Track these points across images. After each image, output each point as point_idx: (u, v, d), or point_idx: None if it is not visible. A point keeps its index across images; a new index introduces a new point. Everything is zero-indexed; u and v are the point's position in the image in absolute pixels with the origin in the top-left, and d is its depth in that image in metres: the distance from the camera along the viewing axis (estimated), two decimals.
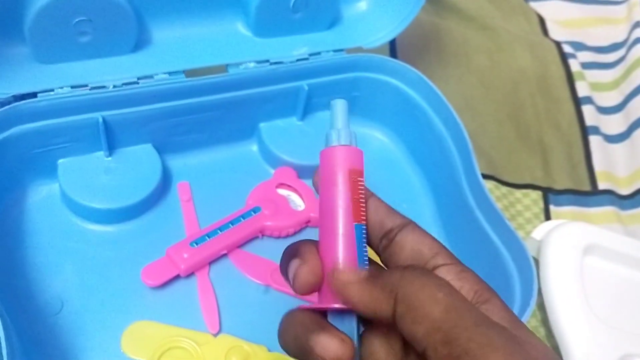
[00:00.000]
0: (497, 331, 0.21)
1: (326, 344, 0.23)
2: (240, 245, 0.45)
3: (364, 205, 0.26)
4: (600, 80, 0.66)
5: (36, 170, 0.44)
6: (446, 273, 0.24)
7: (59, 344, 0.38)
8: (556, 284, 0.43)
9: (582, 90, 0.64)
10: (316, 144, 0.50)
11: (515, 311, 0.39)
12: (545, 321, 0.46)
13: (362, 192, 0.26)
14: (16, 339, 0.35)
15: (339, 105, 0.28)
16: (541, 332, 0.45)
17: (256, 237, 0.45)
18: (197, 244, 0.42)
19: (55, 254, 0.42)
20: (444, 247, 0.26)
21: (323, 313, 0.25)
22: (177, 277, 0.42)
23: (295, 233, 0.46)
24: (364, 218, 0.26)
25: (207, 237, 0.43)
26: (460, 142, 0.46)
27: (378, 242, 0.27)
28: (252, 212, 0.45)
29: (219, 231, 0.43)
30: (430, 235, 0.26)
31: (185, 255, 0.42)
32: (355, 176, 0.26)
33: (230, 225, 0.44)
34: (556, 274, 0.44)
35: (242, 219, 0.45)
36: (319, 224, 0.26)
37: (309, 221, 0.46)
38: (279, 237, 0.46)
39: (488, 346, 0.20)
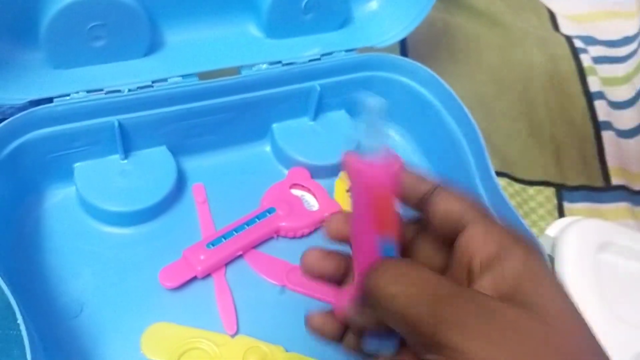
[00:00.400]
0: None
1: None
2: (256, 245, 0.45)
3: (395, 215, 0.26)
4: (612, 74, 0.66)
5: (53, 174, 0.44)
6: (472, 235, 0.24)
7: (79, 346, 0.38)
8: (571, 280, 0.43)
9: (593, 85, 0.63)
10: (328, 143, 0.51)
11: None
12: None
13: (392, 204, 0.26)
14: (39, 342, 0.35)
15: (375, 107, 0.23)
16: None
17: (271, 238, 0.46)
18: (213, 245, 0.43)
19: (73, 257, 0.42)
20: (472, 205, 0.25)
21: None
22: (194, 278, 0.42)
23: (310, 233, 0.46)
24: (394, 229, 0.26)
25: (223, 239, 0.43)
26: (473, 140, 0.46)
27: (416, 209, 0.27)
28: (267, 213, 0.46)
29: (234, 232, 0.44)
30: (459, 196, 0.26)
31: (202, 257, 0.42)
32: (387, 192, 0.25)
33: (245, 226, 0.44)
34: (571, 270, 0.44)
35: (257, 219, 0.45)
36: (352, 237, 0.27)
37: (323, 221, 0.47)
38: (293, 238, 0.46)
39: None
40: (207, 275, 0.43)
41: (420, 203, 0.27)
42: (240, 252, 0.44)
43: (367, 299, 0.24)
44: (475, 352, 0.20)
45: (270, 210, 0.46)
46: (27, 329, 0.32)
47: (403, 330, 0.23)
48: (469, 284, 0.24)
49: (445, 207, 0.26)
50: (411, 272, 0.23)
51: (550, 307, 0.22)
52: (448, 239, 0.26)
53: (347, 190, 0.48)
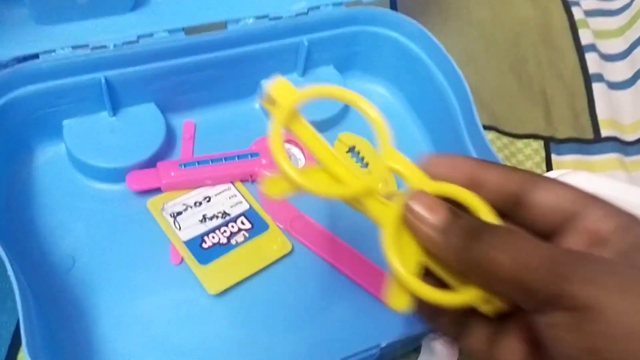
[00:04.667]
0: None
1: None
2: (229, 181, 0.45)
3: None
4: (605, 27, 0.66)
5: (42, 132, 0.44)
6: (603, 224, 0.23)
7: (71, 300, 0.39)
8: None
9: (585, 38, 0.63)
10: (319, 100, 0.51)
11: None
12: None
13: None
14: (31, 297, 0.36)
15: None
16: None
17: (246, 181, 0.46)
18: (185, 166, 0.44)
19: (64, 214, 0.43)
20: (588, 195, 0.25)
21: None
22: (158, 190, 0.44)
23: None
24: None
25: (197, 164, 0.44)
26: (461, 94, 0.46)
27: (504, 209, 0.26)
28: (249, 156, 0.46)
29: (210, 162, 0.45)
30: (567, 186, 0.25)
31: (172, 174, 0.43)
32: None
33: (222, 160, 0.45)
34: None
35: (237, 158, 0.45)
36: None
37: None
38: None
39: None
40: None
41: (512, 201, 0.26)
42: (210, 182, 0.44)
43: (467, 268, 0.24)
44: (613, 304, 0.20)
45: (253, 155, 0.46)
46: (17, 281, 0.32)
47: (517, 297, 0.22)
48: None
49: (553, 199, 0.25)
50: (519, 239, 0.23)
51: None
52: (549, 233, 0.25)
53: (347, 151, 0.49)
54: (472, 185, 0.26)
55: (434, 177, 0.27)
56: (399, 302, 0.26)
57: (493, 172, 0.26)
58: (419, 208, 0.25)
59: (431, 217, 0.25)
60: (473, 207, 0.26)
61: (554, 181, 0.26)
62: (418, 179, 0.28)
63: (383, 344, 0.34)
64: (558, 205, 0.25)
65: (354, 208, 0.29)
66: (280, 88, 0.29)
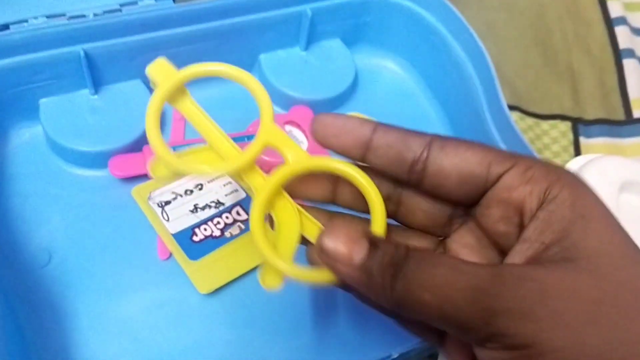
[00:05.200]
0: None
1: None
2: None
3: None
4: None
5: (16, 112, 0.40)
6: (511, 181, 0.22)
7: (47, 297, 0.35)
8: None
9: (614, 10, 0.58)
10: (321, 75, 0.46)
11: None
12: None
13: None
14: None
15: None
16: None
17: None
18: (175, 149, 0.39)
19: (41, 202, 0.38)
20: (492, 149, 0.22)
21: None
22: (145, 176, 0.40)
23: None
24: None
25: (187, 146, 0.40)
26: (483, 70, 0.42)
27: (407, 178, 0.24)
28: (245, 138, 0.41)
29: (202, 144, 0.40)
30: (469, 144, 0.23)
31: None
32: None
33: None
34: None
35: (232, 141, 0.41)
36: None
37: None
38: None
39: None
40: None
41: (412, 168, 0.23)
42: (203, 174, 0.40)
43: (395, 306, 0.21)
44: (550, 341, 0.18)
45: (250, 137, 0.42)
46: None
47: (453, 332, 0.21)
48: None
49: (459, 164, 0.22)
50: (441, 268, 0.20)
51: (603, 256, 0.19)
52: (464, 200, 0.23)
53: None
54: (366, 152, 0.24)
55: (323, 142, 0.25)
56: (270, 282, 0.27)
57: (390, 136, 0.24)
58: (333, 245, 0.22)
59: (347, 256, 0.21)
60: (359, 187, 0.25)
61: (462, 143, 0.23)
62: (297, 156, 0.26)
63: (395, 355, 0.30)
64: (465, 170, 0.22)
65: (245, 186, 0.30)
66: (159, 68, 0.29)
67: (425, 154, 0.23)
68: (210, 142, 0.28)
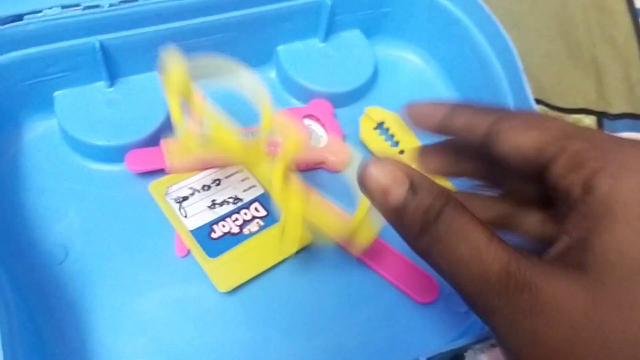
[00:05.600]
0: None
1: None
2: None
3: None
4: None
5: (30, 105, 0.39)
6: (560, 168, 0.21)
7: (63, 294, 0.35)
8: None
9: None
10: (340, 67, 0.45)
11: None
12: None
13: None
14: (12, 292, 0.31)
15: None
16: None
17: None
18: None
19: (56, 197, 0.38)
20: (550, 127, 0.22)
21: None
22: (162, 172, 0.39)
23: (304, 170, 0.41)
24: None
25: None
26: (508, 62, 0.40)
27: (483, 154, 0.24)
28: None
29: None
30: (529, 124, 0.22)
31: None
32: None
33: None
34: None
35: (250, 135, 0.40)
36: None
37: (323, 162, 0.41)
38: None
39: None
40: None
41: (484, 142, 0.23)
42: (219, 162, 0.39)
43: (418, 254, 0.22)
44: (515, 347, 0.19)
45: None
46: None
47: None
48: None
49: (516, 145, 0.22)
50: (462, 245, 0.20)
51: (616, 269, 0.18)
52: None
53: (374, 128, 0.43)
54: (444, 131, 0.26)
55: (417, 124, 0.28)
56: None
57: (463, 114, 0.25)
58: (376, 175, 0.22)
59: (384, 191, 0.21)
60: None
61: (522, 123, 0.22)
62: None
63: (422, 359, 0.29)
64: (520, 154, 0.22)
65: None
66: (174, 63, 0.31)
67: (489, 137, 0.23)
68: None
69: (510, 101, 0.40)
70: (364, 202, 0.32)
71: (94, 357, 0.33)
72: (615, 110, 0.50)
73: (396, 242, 0.38)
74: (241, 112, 0.43)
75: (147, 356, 0.34)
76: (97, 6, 0.36)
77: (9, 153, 0.39)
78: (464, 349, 0.31)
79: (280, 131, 0.31)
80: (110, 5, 0.37)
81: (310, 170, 0.41)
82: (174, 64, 0.30)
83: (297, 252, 0.37)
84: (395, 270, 0.37)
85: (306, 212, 0.32)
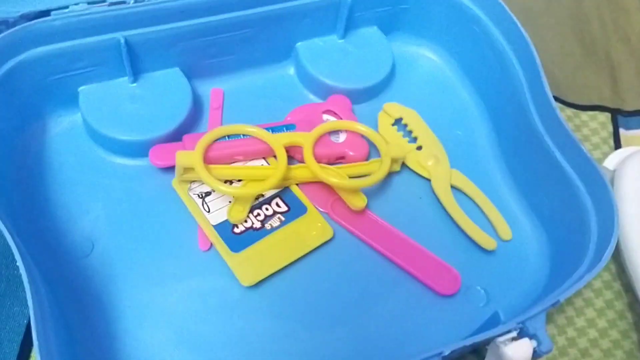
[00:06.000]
0: None
1: None
2: (262, 157, 0.40)
3: None
4: None
5: (55, 99, 0.40)
6: None
7: (89, 287, 0.35)
8: (634, 219, 0.39)
9: None
10: (359, 64, 0.46)
11: (592, 251, 0.35)
12: (619, 275, 0.41)
13: None
14: (42, 284, 0.32)
15: None
16: (615, 287, 0.41)
17: None
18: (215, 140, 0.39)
19: (81, 191, 0.38)
20: None
21: None
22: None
23: (325, 164, 0.41)
24: None
25: (227, 137, 0.39)
26: (527, 60, 0.41)
27: None
28: (284, 128, 0.41)
29: (241, 135, 0.40)
30: None
31: None
32: None
33: None
34: (634, 207, 0.39)
35: (271, 131, 0.40)
36: None
37: (343, 157, 0.42)
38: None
39: None
40: None
41: None
42: (241, 158, 0.40)
43: None
44: None
45: (289, 127, 0.41)
46: (28, 270, 0.28)
47: None
48: None
49: None
50: None
51: None
52: None
53: (393, 124, 0.44)
54: None
55: None
56: None
57: None
58: None
59: None
60: None
61: None
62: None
63: (446, 352, 0.29)
64: None
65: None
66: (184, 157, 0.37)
67: None
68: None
69: (528, 99, 0.40)
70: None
71: (121, 347, 0.34)
72: (629, 107, 0.50)
73: (418, 235, 0.39)
74: (262, 108, 0.44)
75: (172, 346, 0.34)
76: (122, 2, 0.37)
77: (34, 147, 0.39)
78: (487, 342, 0.31)
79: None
80: (136, 1, 0.37)
81: (331, 164, 0.41)
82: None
83: (318, 247, 0.38)
84: (417, 262, 0.38)
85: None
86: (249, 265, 0.36)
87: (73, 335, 0.34)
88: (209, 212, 0.38)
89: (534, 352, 0.30)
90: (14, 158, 0.38)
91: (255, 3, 0.41)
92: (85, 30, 0.37)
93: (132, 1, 0.37)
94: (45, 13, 0.36)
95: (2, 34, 0.35)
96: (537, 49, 0.48)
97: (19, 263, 0.29)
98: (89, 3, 0.36)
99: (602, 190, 0.35)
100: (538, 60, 0.40)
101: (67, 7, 0.36)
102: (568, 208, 0.37)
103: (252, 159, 0.40)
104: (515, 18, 0.42)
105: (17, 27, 0.35)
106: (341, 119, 0.43)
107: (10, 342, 0.34)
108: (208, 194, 0.39)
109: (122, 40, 0.38)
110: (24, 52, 0.36)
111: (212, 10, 0.39)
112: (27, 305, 0.35)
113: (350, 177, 0.40)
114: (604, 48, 0.54)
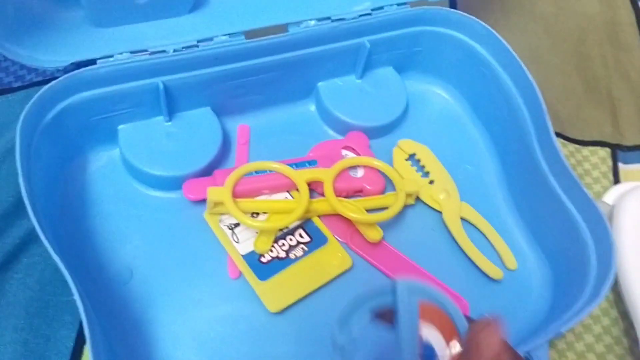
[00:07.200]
0: None
1: None
2: (285, 190, 0.44)
3: None
4: None
5: (97, 137, 0.43)
6: None
7: (129, 312, 0.38)
8: (632, 252, 0.42)
9: None
10: (375, 102, 0.49)
11: (591, 285, 0.38)
12: (617, 302, 0.44)
13: None
14: (91, 309, 0.35)
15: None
16: (612, 314, 0.44)
17: None
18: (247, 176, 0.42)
19: (120, 222, 0.42)
20: None
21: None
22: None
23: (345, 197, 0.44)
24: None
25: (254, 172, 0.43)
26: (531, 100, 0.44)
27: None
28: (307, 164, 0.44)
29: (268, 171, 0.43)
30: None
31: None
32: None
33: None
34: (632, 241, 0.42)
35: (294, 166, 0.44)
36: None
37: (361, 191, 0.45)
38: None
39: None
40: None
41: None
42: (267, 191, 0.43)
43: None
44: None
45: (311, 162, 0.44)
46: (80, 295, 0.32)
47: None
48: None
49: None
50: None
51: None
52: None
53: (407, 159, 0.47)
54: None
55: None
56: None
57: None
58: None
59: None
60: None
61: None
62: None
63: None
64: None
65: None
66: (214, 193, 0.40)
67: None
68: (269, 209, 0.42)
69: (533, 138, 0.44)
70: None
71: None
72: (628, 142, 0.53)
73: (430, 265, 0.42)
74: (285, 143, 0.47)
75: None
76: (162, 51, 0.40)
77: (76, 182, 0.43)
78: None
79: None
80: (174, 50, 0.40)
81: (349, 197, 0.44)
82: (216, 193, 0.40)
83: (338, 275, 0.41)
84: None
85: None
86: (275, 292, 0.40)
87: (115, 355, 0.37)
88: (238, 242, 0.41)
89: None
90: (58, 191, 0.41)
91: (281, 49, 0.44)
92: (127, 77, 0.40)
93: (171, 50, 0.40)
94: (92, 62, 0.39)
95: (54, 81, 0.38)
96: (542, 87, 0.51)
97: (74, 291, 0.32)
98: (131, 52, 0.40)
99: (601, 227, 0.38)
100: (543, 104, 0.43)
101: (112, 56, 0.40)
102: (570, 242, 0.41)
103: (277, 193, 0.44)
104: (522, 63, 0.45)
105: (67, 75, 0.39)
106: (359, 154, 0.47)
107: None
108: (237, 225, 0.42)
109: (161, 86, 0.41)
110: (71, 97, 0.40)
111: (242, 57, 0.43)
112: (73, 330, 0.38)
113: (367, 210, 0.43)
114: (606, 85, 0.57)
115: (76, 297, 0.31)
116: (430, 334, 0.22)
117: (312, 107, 0.50)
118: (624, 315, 0.43)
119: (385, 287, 0.23)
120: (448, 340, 0.22)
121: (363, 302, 0.24)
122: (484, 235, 0.45)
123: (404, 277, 0.23)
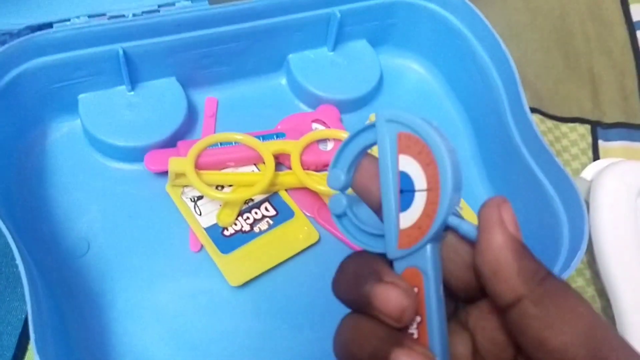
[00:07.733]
0: None
1: (387, 295, 0.20)
2: (252, 163, 0.42)
3: None
4: None
5: (56, 106, 0.42)
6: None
7: (85, 286, 0.37)
8: (608, 228, 0.41)
9: (637, 13, 0.58)
10: (348, 75, 0.48)
11: (563, 258, 0.37)
12: (594, 280, 0.43)
13: None
14: (40, 281, 0.34)
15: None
16: (589, 292, 0.43)
17: None
18: (208, 147, 0.41)
19: (79, 194, 0.40)
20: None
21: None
22: None
23: (314, 170, 0.43)
24: None
25: (219, 144, 0.41)
26: (506, 74, 0.43)
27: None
28: (275, 136, 0.43)
29: (233, 143, 0.42)
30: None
31: None
32: None
33: None
34: (609, 217, 0.41)
35: (261, 138, 0.42)
36: None
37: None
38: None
39: None
40: None
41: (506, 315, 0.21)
42: (232, 164, 0.42)
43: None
44: None
45: (279, 135, 0.43)
46: (26, 266, 0.30)
47: None
48: None
49: (552, 341, 0.19)
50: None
51: None
52: None
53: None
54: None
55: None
56: None
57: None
58: None
59: None
60: None
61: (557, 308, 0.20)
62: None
63: None
64: (557, 347, 0.20)
65: None
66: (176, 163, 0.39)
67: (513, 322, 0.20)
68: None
69: (507, 111, 0.42)
70: None
71: (113, 342, 0.36)
72: (609, 119, 0.52)
73: None
74: (254, 117, 0.46)
75: (162, 343, 0.36)
76: (121, 16, 0.39)
77: (35, 152, 0.41)
78: None
79: None
80: (134, 15, 0.39)
81: (319, 171, 0.43)
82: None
83: (304, 250, 0.40)
84: None
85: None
86: (238, 266, 0.38)
87: (68, 329, 0.36)
88: (200, 215, 0.40)
89: None
90: (15, 161, 0.40)
91: (248, 17, 0.43)
92: (86, 42, 0.39)
93: (131, 15, 0.39)
94: (48, 25, 0.38)
95: (7, 45, 0.37)
96: (521, 63, 0.50)
97: (18, 261, 0.31)
98: (89, 16, 0.38)
99: (574, 200, 0.37)
100: (517, 76, 0.42)
101: (68, 19, 0.38)
102: (542, 216, 0.39)
103: (243, 166, 0.42)
104: (497, 35, 0.43)
105: (20, 38, 0.37)
106: (330, 128, 0.45)
107: (9, 335, 0.36)
108: (200, 197, 0.41)
109: (121, 52, 0.40)
110: (26, 62, 0.38)
111: (206, 24, 0.41)
112: (25, 301, 0.37)
113: None
114: (587, 62, 0.55)
115: (18, 260, 0.30)
116: (409, 164, 0.21)
117: (283, 81, 0.48)
118: (601, 292, 0.42)
119: (369, 124, 0.22)
120: (426, 171, 0.21)
121: (349, 142, 0.23)
122: None
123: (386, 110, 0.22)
